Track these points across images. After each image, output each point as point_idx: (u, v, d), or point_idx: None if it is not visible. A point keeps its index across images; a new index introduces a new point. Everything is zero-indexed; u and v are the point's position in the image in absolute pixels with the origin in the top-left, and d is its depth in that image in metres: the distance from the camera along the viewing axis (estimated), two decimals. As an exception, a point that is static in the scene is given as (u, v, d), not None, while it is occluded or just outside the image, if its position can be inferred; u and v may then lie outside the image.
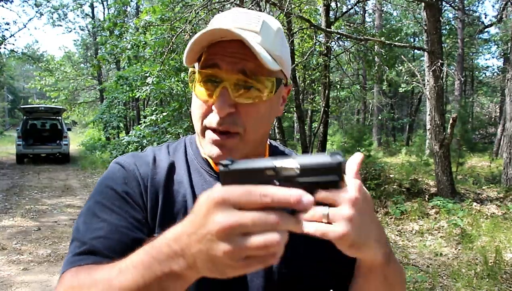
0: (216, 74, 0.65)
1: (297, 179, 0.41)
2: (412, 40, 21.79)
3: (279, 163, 0.40)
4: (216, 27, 0.62)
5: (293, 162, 0.40)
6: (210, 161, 0.75)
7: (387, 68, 9.22)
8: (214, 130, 0.67)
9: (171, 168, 0.74)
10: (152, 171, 0.72)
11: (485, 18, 17.25)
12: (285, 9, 6.16)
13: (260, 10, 6.79)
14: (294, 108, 9.38)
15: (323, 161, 0.40)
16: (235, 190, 0.40)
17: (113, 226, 0.65)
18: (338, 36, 8.57)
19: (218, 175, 0.74)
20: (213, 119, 0.66)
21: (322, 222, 0.45)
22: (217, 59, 0.65)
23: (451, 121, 5.91)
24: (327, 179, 0.41)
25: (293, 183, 0.41)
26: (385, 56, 8.85)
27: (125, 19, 9.20)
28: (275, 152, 0.82)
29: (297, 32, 8.71)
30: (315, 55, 9.56)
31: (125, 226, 0.66)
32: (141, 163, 0.73)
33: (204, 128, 0.68)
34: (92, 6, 22.05)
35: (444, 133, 6.18)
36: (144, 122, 8.64)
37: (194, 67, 0.71)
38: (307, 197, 0.39)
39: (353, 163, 0.51)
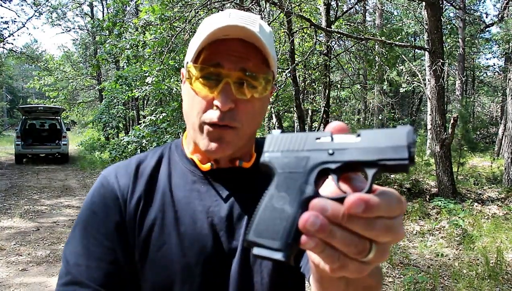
0: (219, 71, 0.66)
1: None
2: (413, 40, 21.75)
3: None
4: (227, 24, 0.64)
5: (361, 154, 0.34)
6: (196, 160, 0.75)
7: (388, 68, 9.19)
8: (213, 125, 0.68)
9: (153, 174, 0.76)
10: (132, 181, 0.74)
11: (486, 17, 17.14)
12: (285, 8, 6.13)
13: (260, 10, 6.76)
14: (294, 108, 9.35)
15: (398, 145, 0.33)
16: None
17: (92, 253, 0.68)
18: (339, 35, 8.55)
19: (203, 173, 0.76)
20: (213, 115, 0.67)
21: None
22: (220, 57, 0.66)
23: (452, 121, 5.88)
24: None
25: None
26: (385, 56, 8.82)
27: (124, 18, 9.16)
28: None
29: (297, 32, 8.67)
30: (315, 54, 9.54)
31: (102, 252, 0.69)
32: (122, 174, 0.75)
33: (202, 124, 0.69)
34: (91, 6, 22.04)
35: (445, 133, 6.15)
36: (143, 122, 8.61)
37: (187, 64, 0.71)
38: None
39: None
